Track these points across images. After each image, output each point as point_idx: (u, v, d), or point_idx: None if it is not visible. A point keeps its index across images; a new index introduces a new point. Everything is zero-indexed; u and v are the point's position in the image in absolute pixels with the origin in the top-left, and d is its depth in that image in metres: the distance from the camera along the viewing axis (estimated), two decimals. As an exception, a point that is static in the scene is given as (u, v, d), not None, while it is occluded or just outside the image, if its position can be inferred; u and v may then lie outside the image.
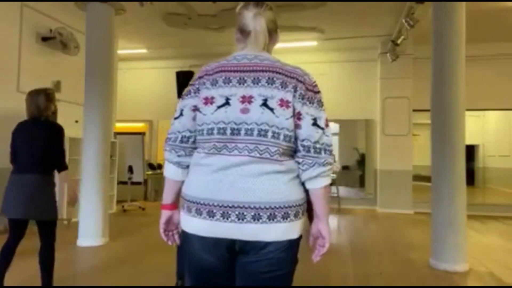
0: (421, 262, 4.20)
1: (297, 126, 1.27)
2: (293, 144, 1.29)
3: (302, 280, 3.59)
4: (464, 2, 4.19)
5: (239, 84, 1.27)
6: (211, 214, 1.23)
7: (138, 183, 8.63)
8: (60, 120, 6.23)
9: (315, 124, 1.28)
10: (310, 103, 1.29)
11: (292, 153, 1.30)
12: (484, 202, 9.67)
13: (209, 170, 1.26)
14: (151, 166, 9.65)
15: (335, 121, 11.08)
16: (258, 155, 1.23)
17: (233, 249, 1.25)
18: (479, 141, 12.91)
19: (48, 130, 2.95)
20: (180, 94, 9.78)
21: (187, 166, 1.37)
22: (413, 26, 5.78)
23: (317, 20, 7.08)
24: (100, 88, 4.97)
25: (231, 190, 1.22)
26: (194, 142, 1.35)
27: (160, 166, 9.83)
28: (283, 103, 1.25)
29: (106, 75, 5.05)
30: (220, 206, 1.22)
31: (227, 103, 1.27)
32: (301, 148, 1.28)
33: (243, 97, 1.26)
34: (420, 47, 7.71)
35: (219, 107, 1.27)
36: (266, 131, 1.24)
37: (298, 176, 1.30)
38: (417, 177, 8.47)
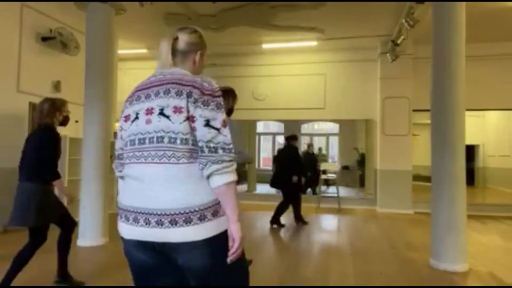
0: (421, 262, 4.20)
1: (193, 129, 1.35)
2: (193, 146, 1.36)
3: (302, 280, 3.60)
4: (464, 2, 4.19)
5: (146, 99, 1.43)
6: (127, 219, 1.39)
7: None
8: (60, 120, 6.24)
9: (207, 125, 1.35)
10: (204, 106, 1.36)
11: (196, 155, 1.37)
12: (484, 202, 9.67)
13: (126, 179, 1.45)
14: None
15: (335, 121, 11.11)
16: (157, 160, 1.34)
17: (155, 247, 1.37)
18: (479, 141, 12.90)
19: (40, 138, 2.97)
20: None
21: None
22: (413, 26, 5.78)
23: (317, 20, 7.08)
24: (100, 88, 4.97)
25: (139, 197, 1.36)
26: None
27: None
28: (177, 109, 1.35)
29: (106, 75, 5.05)
30: (132, 212, 1.37)
31: (137, 117, 1.43)
32: (198, 149, 1.36)
33: (147, 109, 1.40)
34: (420, 47, 7.71)
35: (132, 121, 1.44)
36: (163, 137, 1.35)
37: (203, 180, 1.35)
38: (417, 177, 8.47)
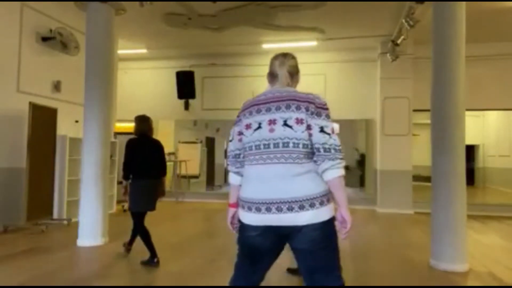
0: (421, 262, 4.20)
1: (310, 135, 1.71)
2: (310, 149, 1.72)
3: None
4: (464, 2, 4.19)
5: (267, 112, 1.78)
6: (258, 209, 1.71)
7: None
8: (60, 120, 6.25)
9: (322, 131, 1.71)
10: (318, 117, 1.72)
11: (312, 156, 1.74)
12: (484, 202, 9.66)
13: (253, 178, 1.78)
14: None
15: (335, 121, 11.10)
16: (284, 161, 1.70)
17: (279, 233, 1.72)
18: (479, 141, 12.91)
19: (160, 147, 4.06)
20: (180, 94, 9.77)
21: (242, 175, 1.88)
22: (413, 26, 5.78)
23: (317, 20, 7.08)
24: (100, 88, 4.96)
25: (270, 191, 1.70)
26: (244, 156, 1.87)
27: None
28: (299, 121, 1.71)
29: (106, 75, 5.05)
30: (264, 203, 1.69)
31: (259, 126, 1.78)
32: (315, 150, 1.72)
33: (270, 120, 1.75)
34: (420, 47, 7.70)
35: (255, 130, 1.78)
36: (288, 143, 1.71)
37: (318, 174, 1.72)
38: (417, 177, 8.46)
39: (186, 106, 9.54)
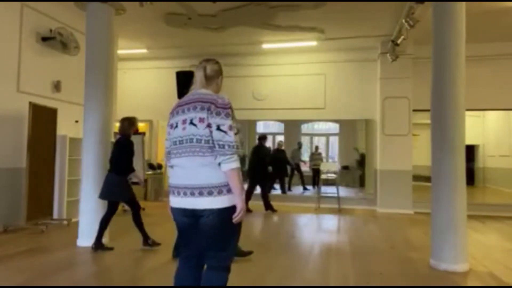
0: (421, 262, 4.19)
1: (210, 132, 1.98)
2: (212, 144, 1.97)
3: (302, 280, 3.59)
4: (464, 2, 4.19)
5: (183, 112, 2.09)
6: (175, 193, 2.09)
7: (138, 183, 8.58)
8: (60, 120, 6.26)
9: (218, 129, 1.97)
10: (217, 115, 1.98)
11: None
12: (484, 202, 9.66)
13: (175, 167, 2.12)
14: (151, 166, 9.64)
15: (335, 121, 11.12)
16: (191, 154, 2.02)
17: (189, 214, 2.04)
18: (479, 141, 12.91)
19: (119, 146, 4.51)
20: (180, 94, 9.78)
21: None
22: (413, 26, 5.78)
23: (317, 20, 7.08)
24: (100, 88, 4.96)
25: (180, 178, 2.06)
26: None
27: (160, 166, 9.83)
28: (201, 120, 2.00)
29: (106, 75, 5.04)
30: (177, 188, 2.07)
31: (176, 125, 2.11)
32: (212, 145, 1.98)
33: (183, 120, 2.07)
34: (420, 47, 7.70)
35: (174, 128, 2.12)
36: (193, 139, 2.01)
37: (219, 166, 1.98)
38: (417, 177, 8.46)
39: (186, 106, 9.52)
